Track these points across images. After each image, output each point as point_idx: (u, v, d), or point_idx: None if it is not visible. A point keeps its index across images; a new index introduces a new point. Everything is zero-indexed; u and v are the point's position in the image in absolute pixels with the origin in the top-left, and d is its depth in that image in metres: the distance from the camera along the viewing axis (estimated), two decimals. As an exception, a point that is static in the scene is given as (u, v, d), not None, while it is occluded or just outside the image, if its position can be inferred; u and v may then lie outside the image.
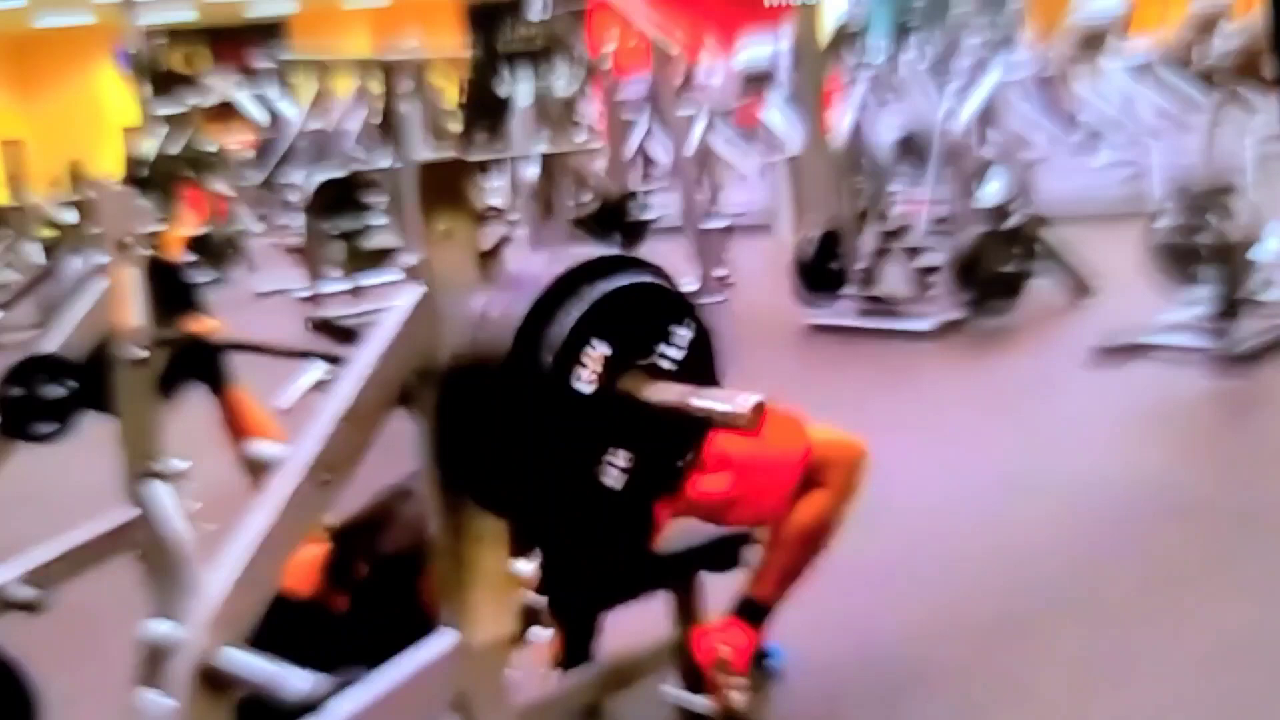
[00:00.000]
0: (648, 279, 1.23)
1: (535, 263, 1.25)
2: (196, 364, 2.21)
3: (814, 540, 2.33)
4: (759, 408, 1.15)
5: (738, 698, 2.28)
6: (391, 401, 1.44)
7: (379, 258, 7.14)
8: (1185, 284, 4.75)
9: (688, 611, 2.33)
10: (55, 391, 2.06)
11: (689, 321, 1.25)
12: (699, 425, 1.26)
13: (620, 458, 1.22)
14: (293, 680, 1.33)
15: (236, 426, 2.29)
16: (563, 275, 1.20)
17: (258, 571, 1.42)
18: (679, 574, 2.31)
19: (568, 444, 1.19)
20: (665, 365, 1.24)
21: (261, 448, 1.66)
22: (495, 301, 1.24)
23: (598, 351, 1.19)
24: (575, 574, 2.01)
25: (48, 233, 9.68)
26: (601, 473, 1.21)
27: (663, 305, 1.24)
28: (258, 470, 1.65)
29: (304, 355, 2.50)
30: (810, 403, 2.38)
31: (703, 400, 1.20)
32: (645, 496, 1.25)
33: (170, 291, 2.16)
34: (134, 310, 2.00)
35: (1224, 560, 3.02)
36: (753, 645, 2.33)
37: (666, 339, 1.24)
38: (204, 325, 2.21)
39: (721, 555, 2.32)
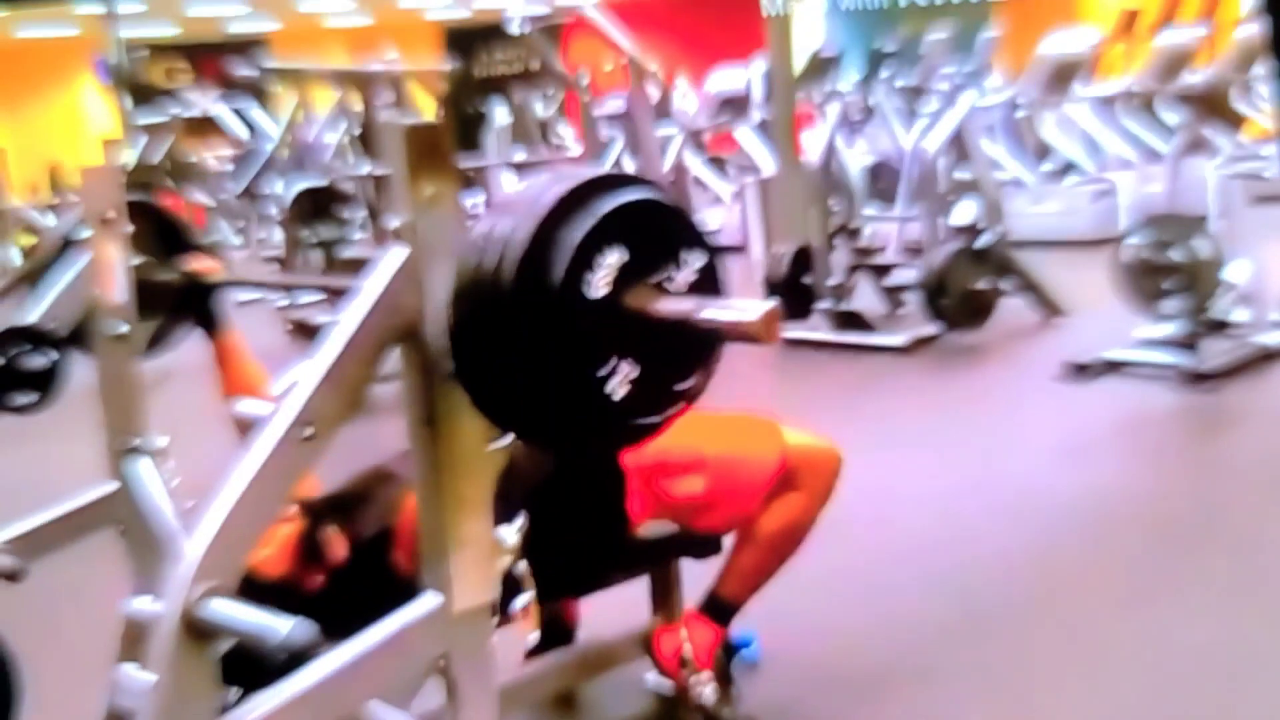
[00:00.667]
0: (658, 197, 1.23)
1: (536, 184, 1.25)
2: (193, 304, 2.19)
3: (785, 543, 2.29)
4: (771, 315, 1.15)
5: (704, 693, 2.27)
6: (377, 360, 1.45)
7: (356, 266, 7.14)
8: (1153, 305, 4.82)
9: (666, 599, 2.32)
10: (36, 362, 2.07)
11: (699, 247, 1.25)
12: (706, 346, 1.25)
13: (626, 369, 1.22)
14: (279, 628, 1.33)
15: (227, 370, 2.28)
16: (574, 188, 1.20)
17: (241, 526, 1.42)
18: (658, 559, 2.28)
19: (575, 350, 1.19)
20: (674, 286, 1.24)
21: (247, 406, 1.67)
22: (499, 222, 1.23)
23: (609, 260, 1.19)
24: (559, 543, 2.00)
25: (27, 239, 9.68)
26: (606, 383, 1.21)
27: (673, 226, 1.24)
28: (244, 427, 1.66)
29: (304, 287, 2.47)
30: (782, 414, 2.39)
31: (712, 311, 1.20)
32: (646, 414, 1.25)
33: (167, 232, 2.15)
34: (117, 285, 2.01)
35: (1185, 570, 3.05)
36: (717, 642, 2.31)
37: (676, 260, 1.24)
38: (203, 265, 2.19)
39: (702, 542, 2.30)
